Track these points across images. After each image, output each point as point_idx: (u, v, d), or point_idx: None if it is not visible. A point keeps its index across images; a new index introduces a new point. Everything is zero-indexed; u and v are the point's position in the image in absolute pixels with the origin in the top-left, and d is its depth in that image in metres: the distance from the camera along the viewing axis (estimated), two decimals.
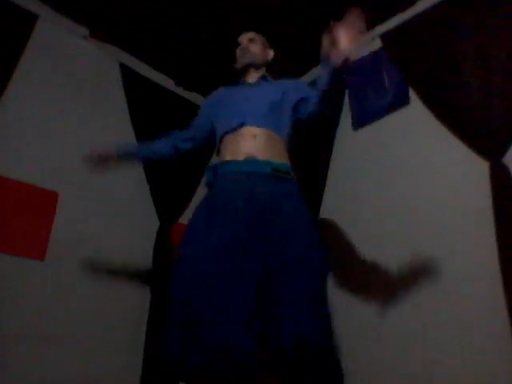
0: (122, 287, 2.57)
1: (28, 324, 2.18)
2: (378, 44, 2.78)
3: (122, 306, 2.54)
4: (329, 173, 2.78)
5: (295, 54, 3.01)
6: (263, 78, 1.94)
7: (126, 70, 3.01)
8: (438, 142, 2.33)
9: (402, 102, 2.57)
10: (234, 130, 1.72)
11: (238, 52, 1.98)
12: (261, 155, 1.65)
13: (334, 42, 1.49)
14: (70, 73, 2.74)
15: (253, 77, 1.94)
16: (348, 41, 1.49)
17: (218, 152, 1.82)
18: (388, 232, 2.40)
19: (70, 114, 2.66)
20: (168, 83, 3.25)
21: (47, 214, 2.40)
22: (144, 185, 2.87)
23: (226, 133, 1.76)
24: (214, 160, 2.20)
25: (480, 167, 2.10)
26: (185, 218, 3.00)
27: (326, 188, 2.77)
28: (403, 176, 2.43)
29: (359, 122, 2.77)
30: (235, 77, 2.00)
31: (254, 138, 1.69)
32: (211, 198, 1.65)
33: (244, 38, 1.99)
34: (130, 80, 3.01)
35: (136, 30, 2.88)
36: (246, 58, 1.94)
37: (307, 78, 3.17)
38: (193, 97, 3.40)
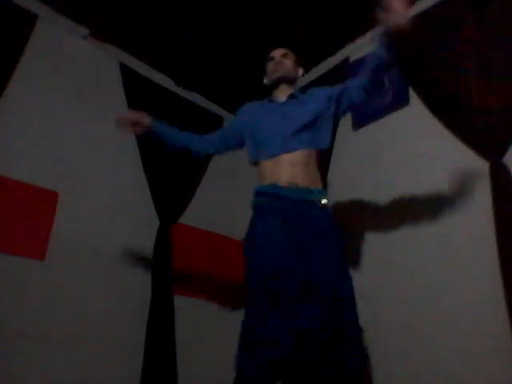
0: (122, 287, 2.57)
1: (28, 324, 2.18)
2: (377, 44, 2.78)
3: (122, 306, 2.54)
4: (329, 173, 2.78)
5: (296, 53, 3.01)
6: (293, 96, 1.96)
7: (125, 70, 3.01)
8: (438, 142, 2.33)
9: (401, 102, 2.57)
10: (273, 157, 1.80)
11: (271, 66, 2.00)
12: (301, 182, 1.74)
13: (387, 11, 1.56)
14: (70, 73, 2.74)
15: (283, 93, 1.97)
16: (400, 5, 1.55)
17: (259, 175, 1.88)
18: (388, 232, 2.40)
19: (70, 113, 2.66)
20: (168, 83, 3.25)
21: (47, 214, 2.40)
22: (144, 185, 2.87)
23: (265, 158, 1.83)
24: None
25: (480, 167, 2.10)
26: (185, 218, 3.00)
27: (325, 188, 2.76)
28: (403, 176, 2.43)
29: (359, 122, 2.77)
30: (261, 92, 2.04)
31: (293, 166, 1.76)
32: (261, 223, 1.77)
33: (277, 53, 2.02)
34: (130, 80, 3.01)
35: (136, 30, 2.88)
36: (279, 72, 1.96)
37: (307, 78, 3.17)
38: (193, 97, 3.40)
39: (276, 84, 1.98)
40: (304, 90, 2.06)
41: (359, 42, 2.92)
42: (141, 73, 3.10)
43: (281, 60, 1.99)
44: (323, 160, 2.78)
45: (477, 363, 1.90)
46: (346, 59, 2.95)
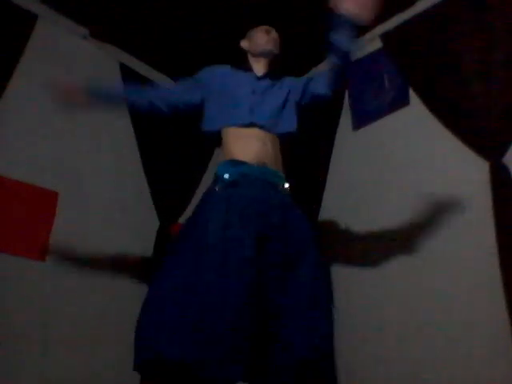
0: (122, 287, 2.57)
1: (28, 324, 2.18)
2: (377, 44, 2.78)
3: (121, 306, 2.54)
4: (329, 173, 2.78)
5: (295, 53, 3.01)
6: (270, 72, 1.89)
7: (125, 70, 3.01)
8: (438, 142, 2.33)
9: (402, 102, 2.57)
10: (242, 126, 1.71)
11: (265, 37, 1.88)
12: (270, 163, 1.67)
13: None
14: (70, 73, 2.73)
15: (261, 67, 1.89)
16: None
17: (223, 147, 1.78)
18: (388, 232, 2.40)
19: (69, 113, 2.65)
20: (168, 83, 3.25)
21: (47, 214, 2.40)
22: (144, 185, 2.87)
23: (232, 125, 1.72)
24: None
25: (480, 167, 2.10)
26: (185, 218, 2.99)
27: (325, 188, 2.77)
28: (403, 176, 2.43)
29: (359, 122, 2.77)
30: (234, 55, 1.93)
31: (263, 143, 1.68)
32: (228, 198, 1.57)
33: (272, 30, 1.91)
34: (130, 80, 3.01)
35: (136, 30, 2.88)
36: (274, 48, 1.89)
37: None
38: None
39: (259, 56, 1.89)
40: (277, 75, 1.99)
41: (359, 41, 2.92)
42: (141, 73, 3.10)
43: (273, 36, 1.90)
44: (321, 161, 2.80)
45: (477, 363, 1.90)
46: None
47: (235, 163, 1.65)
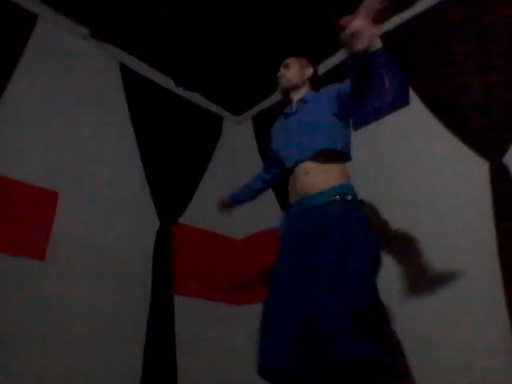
0: (122, 287, 2.57)
1: (28, 324, 2.18)
2: (378, 44, 2.78)
3: (121, 306, 2.54)
4: None
5: (295, 54, 3.01)
6: (302, 100, 2.01)
7: (125, 70, 3.01)
8: (438, 142, 2.33)
9: (401, 102, 2.57)
10: (291, 169, 1.88)
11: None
12: (311, 190, 1.79)
13: (351, 35, 1.46)
14: (69, 73, 2.74)
15: (295, 100, 2.05)
16: (365, 31, 1.49)
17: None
18: (388, 232, 2.40)
19: (69, 113, 2.66)
20: (168, 83, 3.25)
21: (47, 213, 2.40)
22: (144, 185, 2.87)
23: (287, 171, 1.93)
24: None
25: (480, 167, 2.10)
26: (185, 218, 3.00)
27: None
28: (403, 176, 2.43)
29: (359, 121, 2.77)
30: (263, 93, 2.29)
31: (306, 174, 1.82)
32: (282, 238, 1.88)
33: (281, 67, 2.10)
34: (130, 80, 3.01)
35: (136, 30, 2.88)
36: (280, 85, 2.08)
37: None
38: (193, 97, 3.40)
39: (285, 95, 2.09)
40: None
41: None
42: (141, 73, 3.10)
43: (281, 73, 2.09)
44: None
45: (476, 363, 1.90)
46: (346, 59, 2.94)
47: (285, 212, 1.93)
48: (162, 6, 2.71)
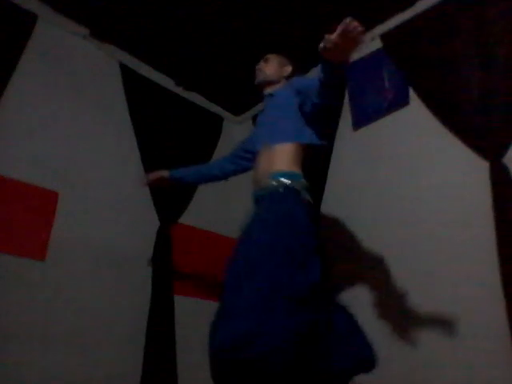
0: (122, 287, 2.57)
1: (28, 324, 2.18)
2: (378, 44, 2.78)
3: (122, 306, 2.54)
4: (329, 173, 2.78)
5: (295, 54, 3.01)
6: (271, 94, 2.08)
7: (125, 70, 3.01)
8: (438, 142, 2.33)
9: (401, 102, 2.57)
10: (258, 154, 1.92)
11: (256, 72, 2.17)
12: (258, 183, 1.84)
13: (334, 44, 1.48)
14: (70, 73, 2.74)
15: (266, 92, 2.13)
16: (345, 45, 1.50)
17: None
18: (388, 232, 2.40)
19: (69, 114, 2.66)
20: (168, 83, 3.25)
21: (47, 214, 2.40)
22: None
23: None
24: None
25: (480, 167, 2.10)
26: (185, 218, 3.00)
27: (325, 188, 2.77)
28: (403, 176, 2.43)
29: (359, 121, 2.77)
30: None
31: (258, 163, 1.88)
32: None
33: (261, 60, 2.17)
34: (130, 80, 3.01)
35: (136, 30, 2.88)
36: (257, 77, 2.14)
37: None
38: (193, 97, 3.40)
39: (260, 87, 2.15)
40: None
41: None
42: (141, 73, 3.10)
43: (260, 67, 2.15)
44: (321, 161, 2.80)
45: (477, 363, 1.90)
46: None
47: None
48: (162, 6, 2.71)
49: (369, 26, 2.84)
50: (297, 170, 1.81)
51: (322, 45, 1.49)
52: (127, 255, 2.65)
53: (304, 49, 2.99)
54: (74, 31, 2.82)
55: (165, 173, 2.33)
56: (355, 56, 2.90)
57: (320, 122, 1.93)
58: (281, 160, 1.81)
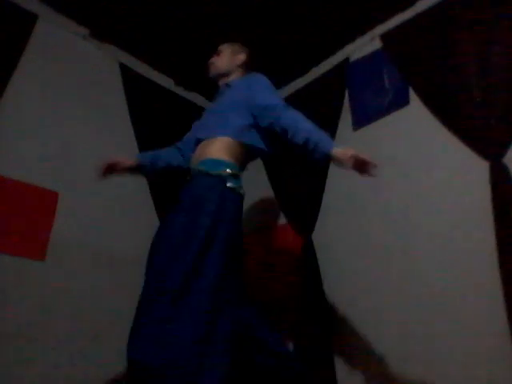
0: (122, 287, 2.57)
1: (28, 324, 2.18)
2: (378, 44, 2.78)
3: (121, 306, 2.53)
4: (328, 173, 2.78)
5: (295, 54, 3.02)
6: (227, 85, 2.09)
7: (125, 70, 3.01)
8: (438, 142, 2.33)
9: (402, 101, 2.57)
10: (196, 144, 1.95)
11: None
12: (193, 163, 1.88)
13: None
14: (69, 73, 2.74)
15: (222, 83, 2.15)
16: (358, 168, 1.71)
17: None
18: (387, 232, 2.40)
19: (69, 113, 2.66)
20: (168, 83, 3.25)
21: (47, 214, 2.40)
22: (144, 184, 2.87)
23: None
24: None
25: (480, 167, 2.10)
26: None
27: (325, 188, 2.77)
28: (403, 176, 2.43)
29: (359, 122, 2.77)
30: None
31: (194, 153, 1.92)
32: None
33: (214, 54, 2.17)
34: (130, 80, 3.01)
35: (136, 30, 2.88)
36: (210, 71, 2.17)
37: (307, 78, 3.17)
38: (193, 97, 3.40)
39: (215, 80, 2.17)
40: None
41: (359, 42, 2.92)
42: (141, 73, 3.10)
43: (212, 60, 2.17)
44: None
45: (476, 364, 1.90)
46: (346, 59, 2.95)
47: None
48: (162, 6, 2.71)
49: (369, 26, 2.84)
50: (228, 159, 1.81)
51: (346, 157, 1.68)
52: (127, 255, 2.65)
53: (304, 49, 3.01)
54: (74, 31, 2.82)
55: (126, 159, 2.09)
56: (355, 56, 2.91)
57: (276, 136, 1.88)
58: (214, 149, 1.83)
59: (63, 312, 2.31)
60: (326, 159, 1.71)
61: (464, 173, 2.19)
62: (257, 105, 1.86)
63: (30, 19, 2.58)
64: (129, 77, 3.01)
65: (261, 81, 1.98)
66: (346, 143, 2.77)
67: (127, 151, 2.87)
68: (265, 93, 1.90)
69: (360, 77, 2.82)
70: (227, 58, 2.14)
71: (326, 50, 3.05)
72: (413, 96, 2.51)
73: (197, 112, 3.37)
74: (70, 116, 2.66)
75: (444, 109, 2.35)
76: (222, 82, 2.13)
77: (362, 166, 1.66)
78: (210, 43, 2.98)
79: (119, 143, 2.85)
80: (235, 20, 2.81)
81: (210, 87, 3.40)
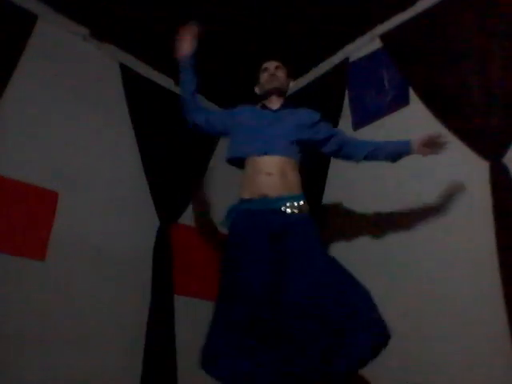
0: (122, 287, 2.57)
1: (28, 324, 2.18)
2: (378, 44, 2.78)
3: (122, 306, 2.54)
4: (328, 173, 2.78)
5: (295, 54, 3.01)
6: (285, 105, 2.10)
7: (125, 70, 3.01)
8: None
9: (401, 101, 2.57)
10: (258, 155, 1.91)
11: (265, 77, 2.13)
12: (273, 192, 1.85)
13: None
14: (69, 73, 2.74)
15: (275, 103, 2.10)
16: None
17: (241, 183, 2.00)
18: (387, 232, 2.40)
19: (69, 113, 2.66)
20: (168, 83, 3.25)
21: (47, 213, 2.40)
22: (144, 185, 2.87)
23: (250, 155, 1.94)
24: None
25: (480, 167, 2.10)
26: (185, 218, 3.00)
27: (325, 188, 2.77)
28: (403, 176, 2.43)
29: (359, 121, 2.77)
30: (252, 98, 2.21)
31: (269, 175, 1.87)
32: (234, 235, 1.88)
33: (271, 65, 2.13)
34: (130, 80, 3.01)
35: (136, 30, 2.88)
36: (273, 83, 2.10)
37: (307, 78, 3.18)
38: None
39: (269, 94, 2.11)
40: (296, 99, 2.26)
41: (359, 42, 2.92)
42: (141, 73, 3.10)
43: (274, 72, 2.11)
44: (321, 161, 2.80)
45: (476, 364, 1.90)
46: (346, 59, 2.95)
47: (234, 207, 1.93)
48: (162, 6, 2.71)
49: (369, 26, 2.84)
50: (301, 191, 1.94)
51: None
52: (127, 255, 2.65)
53: (304, 49, 3.01)
54: (74, 31, 2.82)
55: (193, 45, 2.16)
56: (355, 56, 2.91)
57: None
58: (294, 182, 1.91)
59: (63, 312, 2.31)
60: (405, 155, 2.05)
61: (464, 173, 2.19)
62: (326, 136, 2.07)
63: (30, 19, 2.58)
64: (129, 77, 3.01)
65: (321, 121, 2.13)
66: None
67: (127, 151, 2.88)
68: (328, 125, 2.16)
69: (360, 77, 2.83)
70: (285, 78, 2.16)
71: (326, 50, 3.05)
72: (413, 96, 2.51)
73: None
74: (70, 116, 2.66)
75: (444, 109, 2.35)
76: (276, 100, 2.11)
77: (433, 146, 1.94)
78: (210, 43, 2.99)
79: (119, 143, 2.85)
80: (235, 20, 2.81)
81: (210, 87, 3.42)
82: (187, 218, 3.01)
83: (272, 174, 1.87)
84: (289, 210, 1.81)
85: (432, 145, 1.95)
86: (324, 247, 1.83)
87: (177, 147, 3.08)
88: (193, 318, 2.76)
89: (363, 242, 2.49)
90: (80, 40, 2.84)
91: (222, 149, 3.45)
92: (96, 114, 2.79)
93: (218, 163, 3.35)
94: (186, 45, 2.13)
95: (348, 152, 2.10)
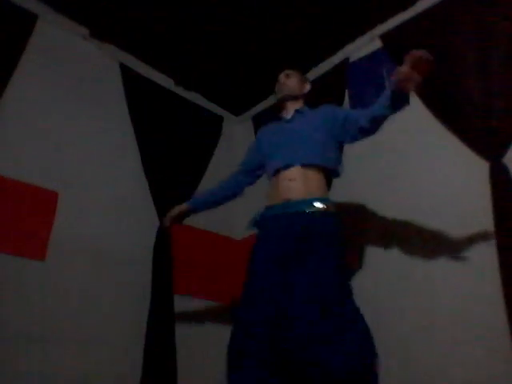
0: (122, 287, 2.57)
1: (28, 324, 2.18)
2: (378, 44, 2.78)
3: (122, 306, 2.54)
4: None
5: (295, 54, 3.01)
6: (299, 111, 2.12)
7: (125, 70, 3.01)
8: (438, 142, 2.33)
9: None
10: (278, 172, 1.97)
11: (277, 87, 2.19)
12: (294, 196, 1.88)
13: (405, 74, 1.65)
14: (69, 73, 2.74)
15: (290, 110, 2.14)
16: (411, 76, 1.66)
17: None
18: (388, 232, 2.40)
19: (69, 113, 2.66)
20: (168, 83, 3.25)
21: (47, 214, 2.40)
22: (144, 184, 2.87)
23: (273, 175, 2.01)
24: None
25: (480, 167, 2.10)
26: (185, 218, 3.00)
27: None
28: (403, 176, 2.43)
29: None
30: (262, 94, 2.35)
31: (291, 181, 1.91)
32: (261, 239, 1.94)
33: (282, 75, 2.19)
34: (130, 80, 3.01)
35: (136, 30, 2.88)
36: (282, 92, 2.15)
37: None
38: (193, 97, 3.40)
39: (281, 102, 2.17)
40: (313, 105, 2.19)
41: (359, 42, 2.92)
42: (141, 73, 3.10)
43: (284, 81, 2.16)
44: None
45: (476, 363, 1.90)
46: (346, 59, 2.95)
47: (260, 213, 1.99)
48: (162, 6, 2.71)
49: (369, 26, 2.84)
50: (326, 194, 1.98)
51: (395, 77, 1.67)
52: (127, 255, 2.65)
53: (304, 49, 3.01)
54: (74, 31, 2.82)
55: (183, 207, 2.30)
56: (355, 56, 2.91)
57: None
58: (316, 185, 1.92)
59: (63, 312, 2.30)
60: (398, 98, 1.83)
61: (464, 173, 2.19)
62: (343, 119, 2.02)
63: (30, 19, 2.58)
64: (129, 77, 3.01)
65: (334, 107, 2.17)
66: (346, 143, 2.78)
67: (127, 151, 2.88)
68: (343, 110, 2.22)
69: (360, 77, 2.83)
70: (297, 84, 2.17)
71: (325, 50, 3.05)
72: (413, 96, 2.51)
73: (197, 112, 3.40)
74: (70, 116, 2.66)
75: (444, 109, 2.35)
76: (291, 106, 2.14)
77: (419, 66, 1.64)
78: (210, 43, 3.00)
79: (119, 143, 2.86)
80: (235, 20, 2.81)
81: (210, 87, 3.43)
82: (187, 218, 3.00)
83: (294, 180, 1.91)
84: (312, 211, 1.83)
85: (410, 74, 1.66)
86: (342, 254, 1.82)
87: (177, 147, 3.08)
88: (193, 318, 2.77)
89: (363, 242, 2.49)
90: (80, 40, 2.84)
91: (222, 149, 3.46)
92: (96, 114, 2.79)
93: (218, 163, 3.36)
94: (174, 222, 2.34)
95: (359, 132, 2.02)
